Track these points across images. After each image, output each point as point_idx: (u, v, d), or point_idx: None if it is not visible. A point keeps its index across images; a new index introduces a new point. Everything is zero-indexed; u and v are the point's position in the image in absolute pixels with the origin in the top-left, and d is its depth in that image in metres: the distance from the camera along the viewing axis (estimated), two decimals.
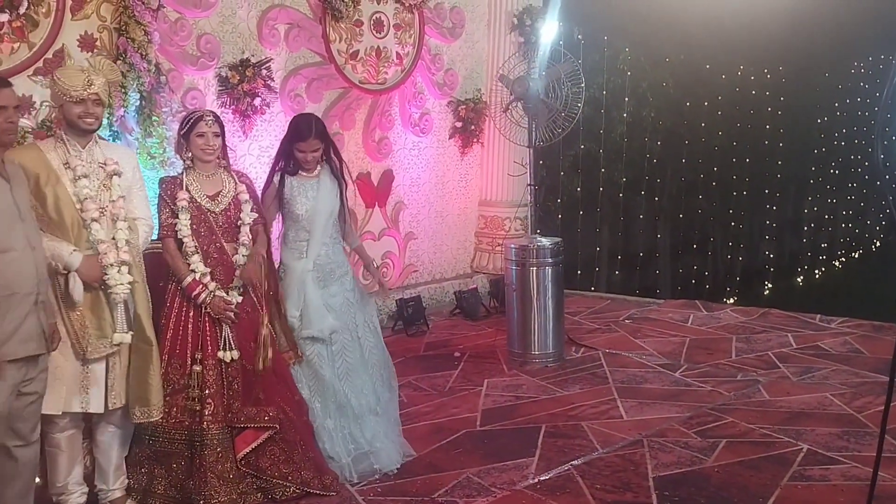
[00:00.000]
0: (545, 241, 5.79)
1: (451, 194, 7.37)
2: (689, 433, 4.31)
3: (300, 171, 4.01)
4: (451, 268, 7.45)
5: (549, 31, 6.36)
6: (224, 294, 3.56)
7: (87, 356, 3.20)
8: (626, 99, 8.16)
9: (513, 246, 5.83)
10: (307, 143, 3.96)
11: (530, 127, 5.96)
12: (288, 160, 4.03)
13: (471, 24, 7.27)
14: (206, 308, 3.53)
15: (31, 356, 2.92)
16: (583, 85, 5.85)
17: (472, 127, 7.26)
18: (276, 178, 4.02)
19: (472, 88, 7.29)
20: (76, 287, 3.14)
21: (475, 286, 7.33)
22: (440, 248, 7.35)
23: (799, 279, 8.79)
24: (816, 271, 9.88)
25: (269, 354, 3.56)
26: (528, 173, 6.18)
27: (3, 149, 2.95)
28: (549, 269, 5.72)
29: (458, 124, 7.22)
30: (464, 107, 7.18)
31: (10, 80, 3.17)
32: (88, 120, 3.23)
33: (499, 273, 7.03)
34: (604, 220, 8.42)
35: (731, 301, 7.99)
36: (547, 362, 5.66)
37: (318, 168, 4.05)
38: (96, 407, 3.25)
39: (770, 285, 8.09)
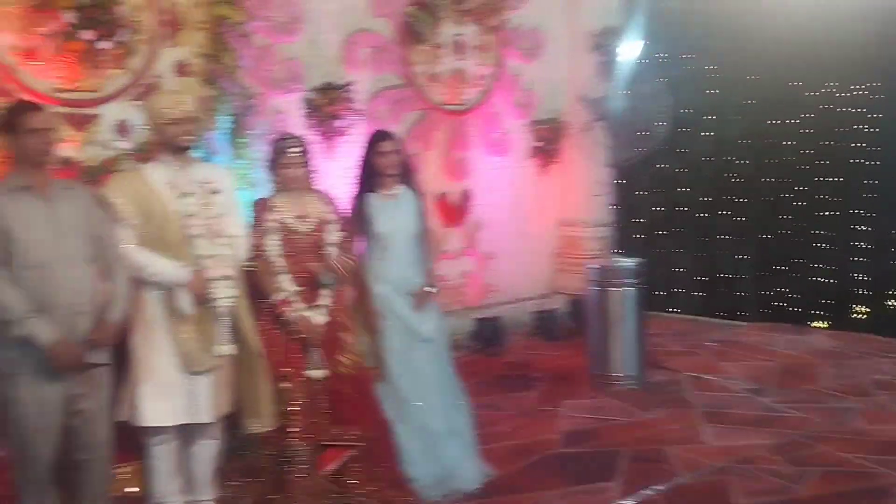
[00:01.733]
0: (626, 262, 5.72)
1: (530, 214, 7.34)
2: (778, 461, 4.18)
3: (380, 190, 4.04)
4: (530, 288, 7.40)
5: (630, 50, 6.31)
6: (310, 313, 3.62)
7: (193, 368, 3.30)
8: (710, 117, 8.01)
9: (593, 266, 5.78)
10: (387, 142, 4.01)
11: (611, 146, 5.92)
12: (368, 177, 4.07)
13: (551, 44, 7.26)
14: (292, 326, 3.59)
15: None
16: (665, 104, 5.78)
17: (552, 147, 7.24)
18: (358, 198, 4.07)
19: (551, 109, 7.27)
20: (184, 300, 3.26)
21: (554, 306, 7.28)
22: (519, 268, 7.32)
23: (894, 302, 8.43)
24: None
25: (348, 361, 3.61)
26: (609, 193, 6.13)
27: (39, 169, 3.05)
28: (630, 290, 5.64)
29: (538, 144, 7.20)
30: (543, 127, 7.16)
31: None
32: (185, 138, 3.36)
33: (578, 293, 6.96)
34: (685, 240, 8.24)
35: (822, 325, 7.70)
36: (629, 385, 5.56)
37: (398, 187, 4.08)
38: (201, 417, 3.35)
39: (864, 308, 7.77)
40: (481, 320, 6.69)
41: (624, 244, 6.23)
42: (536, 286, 7.47)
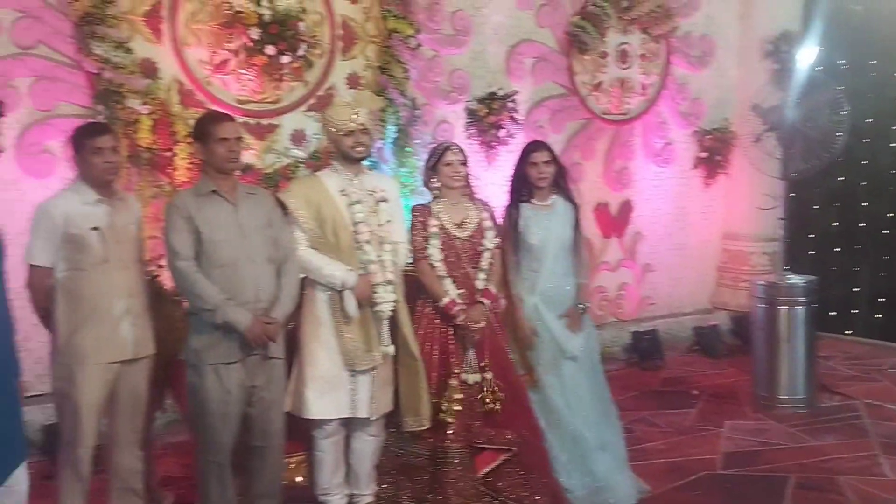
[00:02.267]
0: (797, 279, 5.44)
1: (692, 226, 7.13)
2: None
3: (533, 200, 4.03)
4: (690, 302, 7.18)
5: (807, 56, 5.99)
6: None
7: (355, 367, 3.46)
8: (895, 127, 7.45)
9: (761, 283, 5.54)
10: (540, 152, 4.00)
11: (784, 158, 5.64)
12: (521, 187, 4.06)
13: (721, 51, 7.03)
14: (459, 328, 3.67)
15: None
16: (845, 113, 5.44)
17: (718, 157, 7.00)
18: (511, 207, 4.07)
19: (719, 118, 7.03)
20: (351, 303, 3.43)
21: (716, 322, 7.01)
22: (679, 282, 7.12)
23: None
24: None
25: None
26: (780, 206, 5.85)
27: (227, 175, 3.29)
28: (800, 309, 5.35)
29: (703, 154, 6.99)
30: (710, 136, 6.94)
31: (232, 117, 3.52)
32: (358, 149, 3.52)
33: (742, 310, 6.67)
34: (864, 258, 7.70)
35: None
36: (796, 408, 5.27)
37: (552, 197, 4.06)
38: (362, 413, 3.50)
39: None
40: (639, 333, 6.56)
41: (796, 261, 5.89)
42: (697, 301, 7.23)
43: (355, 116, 3.47)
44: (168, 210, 3.28)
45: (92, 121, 4.09)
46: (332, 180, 3.55)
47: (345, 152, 3.53)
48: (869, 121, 7.29)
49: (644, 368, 6.34)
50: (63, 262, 3.22)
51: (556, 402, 3.90)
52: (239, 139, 3.34)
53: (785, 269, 5.57)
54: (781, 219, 5.79)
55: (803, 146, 5.54)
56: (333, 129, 3.51)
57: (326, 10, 5.15)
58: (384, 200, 3.58)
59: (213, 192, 3.26)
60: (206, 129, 3.28)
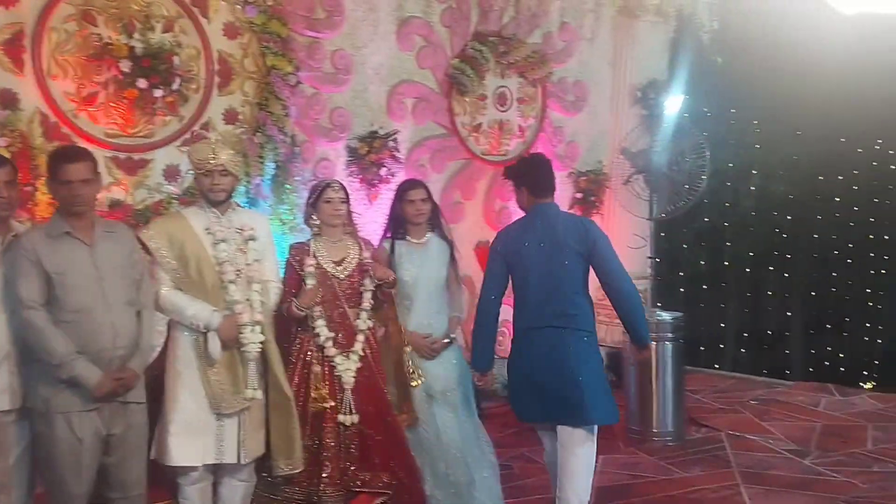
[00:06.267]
0: (666, 316, 5.67)
1: None
2: None
3: (408, 237, 4.07)
4: None
5: (673, 104, 6.34)
6: (344, 359, 3.66)
7: (222, 410, 3.35)
8: (755, 172, 7.93)
9: None
10: (416, 190, 4.05)
11: (651, 199, 5.90)
12: (397, 224, 4.11)
13: (594, 97, 7.32)
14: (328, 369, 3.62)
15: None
16: (707, 157, 5.76)
17: (592, 198, 7.24)
18: (387, 244, 4.10)
19: (593, 160, 7.29)
20: (214, 345, 3.33)
21: None
22: None
23: None
24: None
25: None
26: (648, 246, 6.10)
27: (79, 216, 3.11)
28: (669, 345, 5.57)
29: (578, 195, 7.22)
30: (584, 178, 7.19)
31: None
32: (217, 191, 3.43)
33: (617, 346, 6.88)
34: (730, 296, 8.11)
35: (869, 386, 7.47)
36: (666, 441, 5.47)
37: (427, 235, 4.10)
38: (230, 458, 3.38)
39: None
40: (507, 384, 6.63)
41: (667, 298, 6.15)
42: None
43: (213, 157, 3.39)
44: (14, 252, 3.05)
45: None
46: (198, 218, 3.47)
47: (203, 192, 3.46)
48: (731, 165, 7.74)
49: None
50: None
51: (430, 441, 3.90)
52: (86, 181, 3.11)
53: (655, 307, 5.79)
54: (651, 258, 6.03)
55: (669, 188, 5.83)
56: (194, 167, 3.44)
57: (203, 45, 5.06)
58: (252, 239, 3.51)
59: (65, 232, 3.09)
60: (52, 168, 3.12)
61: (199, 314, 3.32)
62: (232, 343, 3.37)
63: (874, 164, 7.73)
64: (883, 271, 7.78)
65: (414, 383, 3.90)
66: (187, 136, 5.01)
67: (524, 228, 3.82)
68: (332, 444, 3.59)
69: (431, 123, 6.32)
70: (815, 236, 7.90)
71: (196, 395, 3.34)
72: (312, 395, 3.59)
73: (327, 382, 3.64)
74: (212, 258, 3.39)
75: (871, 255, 7.80)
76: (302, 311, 3.60)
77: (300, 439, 3.49)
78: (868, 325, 7.81)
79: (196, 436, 3.33)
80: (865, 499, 4.40)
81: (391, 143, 5.83)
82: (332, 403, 3.62)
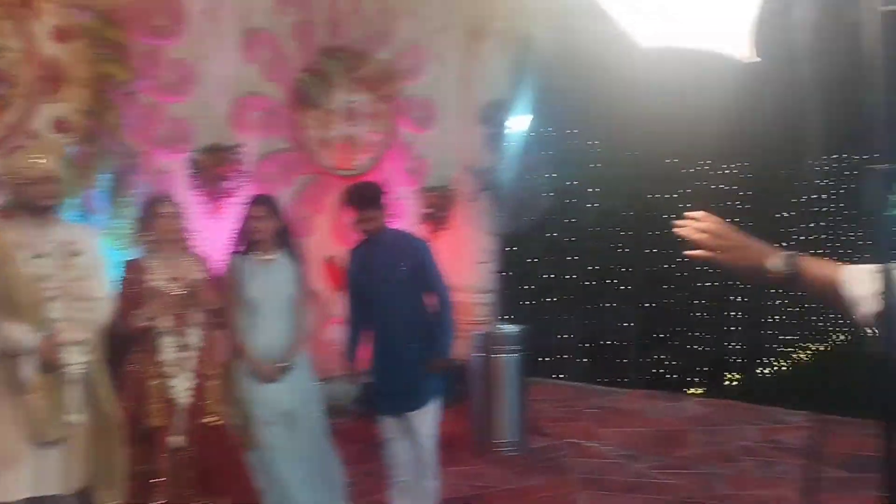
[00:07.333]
0: (509, 328, 5.83)
1: None
2: None
3: (255, 254, 3.97)
4: None
5: (517, 123, 6.55)
6: (178, 378, 3.54)
7: (42, 438, 3.13)
8: (594, 190, 8.34)
9: (476, 333, 5.86)
10: (256, 206, 3.95)
11: (497, 215, 6.08)
12: (244, 241, 4.00)
13: (442, 114, 7.44)
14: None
15: None
16: (549, 176, 6.00)
17: (441, 214, 7.36)
18: (235, 260, 3.98)
19: (442, 176, 7.41)
20: (27, 367, 3.11)
21: None
22: None
23: (764, 371, 8.84)
24: (782, 364, 9.96)
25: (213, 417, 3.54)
26: (495, 260, 6.27)
27: None
28: (513, 357, 5.73)
29: (428, 210, 7.32)
30: (433, 194, 7.29)
31: None
32: (44, 198, 3.23)
33: (465, 359, 7.01)
34: (572, 308, 8.49)
35: (697, 392, 7.99)
36: (510, 451, 5.61)
37: (274, 252, 4.01)
38: (49, 490, 3.16)
39: (735, 377, 8.11)
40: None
41: (514, 310, 6.34)
42: None
43: (39, 164, 3.19)
44: None
45: None
46: (12, 233, 3.24)
47: (28, 202, 3.23)
48: (575, 183, 8.11)
49: (372, 420, 6.40)
50: None
51: (270, 462, 3.82)
52: None
53: (500, 319, 5.95)
54: (497, 272, 6.20)
55: (514, 205, 6.02)
56: (15, 178, 3.21)
57: (28, 49, 4.76)
58: (77, 254, 3.32)
59: None
60: None
61: (11, 335, 3.10)
62: (52, 364, 3.17)
63: (698, 183, 8.30)
64: (711, 284, 8.34)
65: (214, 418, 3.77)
66: (13, 144, 4.69)
67: (368, 250, 3.91)
68: (166, 469, 3.45)
69: (278, 137, 6.23)
70: (650, 251, 8.38)
71: (8, 424, 3.10)
72: (146, 415, 3.44)
73: (162, 402, 3.50)
74: (27, 275, 3.17)
75: (701, 269, 8.36)
76: (135, 328, 3.44)
77: (126, 467, 3.32)
78: (697, 335, 8.36)
79: (13, 468, 3.09)
80: (692, 499, 4.69)
81: (235, 156, 5.69)
82: (164, 424, 3.48)
